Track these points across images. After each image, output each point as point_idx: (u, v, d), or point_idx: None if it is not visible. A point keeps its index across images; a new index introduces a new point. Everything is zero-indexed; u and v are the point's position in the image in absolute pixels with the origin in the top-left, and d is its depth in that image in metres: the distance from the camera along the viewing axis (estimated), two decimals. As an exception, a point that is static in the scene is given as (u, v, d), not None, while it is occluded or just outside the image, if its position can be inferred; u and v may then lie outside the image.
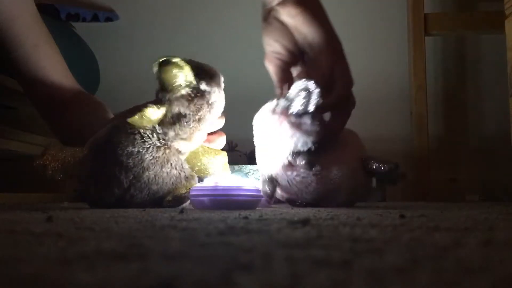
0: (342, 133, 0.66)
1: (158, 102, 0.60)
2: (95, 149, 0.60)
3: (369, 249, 0.20)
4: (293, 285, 0.13)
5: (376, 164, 0.64)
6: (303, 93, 0.59)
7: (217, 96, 0.62)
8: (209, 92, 0.61)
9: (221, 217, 0.38)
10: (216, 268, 0.16)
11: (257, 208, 0.58)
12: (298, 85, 0.59)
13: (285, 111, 0.61)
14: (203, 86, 0.60)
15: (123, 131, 0.59)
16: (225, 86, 0.64)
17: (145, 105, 0.59)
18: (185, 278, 0.14)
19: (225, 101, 0.64)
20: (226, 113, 0.64)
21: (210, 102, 0.61)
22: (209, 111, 0.61)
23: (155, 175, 0.59)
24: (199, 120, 0.60)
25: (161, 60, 0.58)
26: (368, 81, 1.36)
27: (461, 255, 0.18)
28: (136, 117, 0.58)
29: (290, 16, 0.63)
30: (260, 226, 0.30)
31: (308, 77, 0.60)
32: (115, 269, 0.15)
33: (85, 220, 0.35)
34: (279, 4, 0.63)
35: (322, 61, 0.63)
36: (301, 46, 0.64)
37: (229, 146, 1.22)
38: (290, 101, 0.60)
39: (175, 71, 0.58)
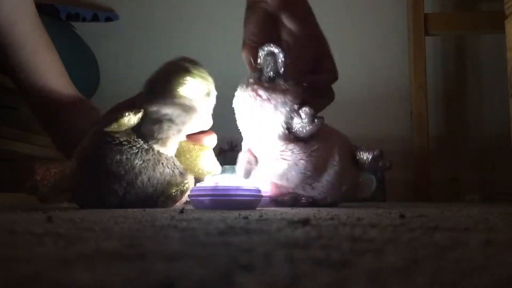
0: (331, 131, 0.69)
1: (134, 104, 0.59)
2: (83, 161, 0.60)
3: (369, 249, 0.20)
4: (293, 285, 0.13)
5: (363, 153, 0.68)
6: (269, 57, 0.62)
7: (202, 102, 0.61)
8: (194, 100, 0.60)
9: (221, 217, 0.38)
10: (216, 268, 0.16)
11: (257, 208, 0.58)
12: (263, 52, 0.63)
13: (258, 81, 0.63)
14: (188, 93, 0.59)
15: (107, 140, 0.58)
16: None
17: (121, 113, 0.57)
18: (185, 278, 0.14)
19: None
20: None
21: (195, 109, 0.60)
22: (190, 117, 0.60)
23: (148, 178, 0.59)
24: (181, 124, 0.60)
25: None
26: (368, 81, 1.36)
27: (461, 255, 0.18)
28: (113, 126, 0.57)
29: (279, 9, 0.65)
30: (260, 226, 0.30)
31: (293, 66, 0.63)
32: (115, 269, 0.15)
33: (85, 220, 0.35)
34: None
35: (307, 55, 0.65)
36: (285, 39, 0.66)
37: (229, 146, 1.22)
38: (260, 69, 0.63)
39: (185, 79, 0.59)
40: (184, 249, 0.20)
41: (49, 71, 0.71)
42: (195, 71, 0.60)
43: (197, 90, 0.60)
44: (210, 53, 1.38)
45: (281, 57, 0.62)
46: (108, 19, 1.33)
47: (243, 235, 0.25)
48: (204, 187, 0.57)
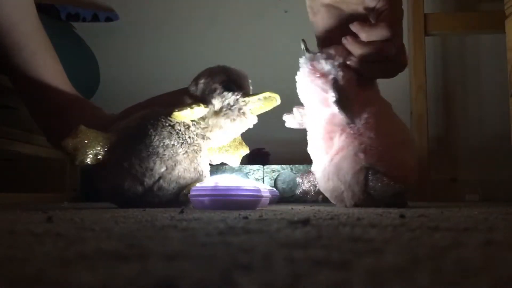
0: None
1: (199, 100, 0.62)
2: (128, 137, 0.61)
3: (369, 249, 0.20)
4: (293, 285, 0.13)
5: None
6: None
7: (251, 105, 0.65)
8: (245, 104, 0.63)
9: (221, 217, 0.38)
10: (216, 268, 0.16)
11: (257, 208, 0.58)
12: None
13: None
14: (241, 103, 0.63)
15: (159, 123, 0.61)
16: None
17: (196, 103, 0.61)
18: (185, 278, 0.14)
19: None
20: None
21: (244, 112, 0.63)
22: (241, 120, 0.64)
23: (184, 170, 0.61)
24: (231, 123, 0.63)
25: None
26: (368, 81, 1.36)
27: (461, 255, 0.18)
28: (184, 113, 0.60)
29: None
30: (260, 226, 0.30)
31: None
32: (115, 269, 0.15)
33: (85, 220, 0.35)
34: None
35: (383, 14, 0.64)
36: (354, 15, 0.66)
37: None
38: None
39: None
40: (184, 249, 0.20)
41: (48, 72, 0.71)
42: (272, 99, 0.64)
43: (261, 106, 0.65)
44: (210, 52, 1.38)
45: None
46: (108, 19, 1.33)
47: (243, 235, 0.25)
48: (204, 187, 0.56)
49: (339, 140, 0.64)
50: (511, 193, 1.21)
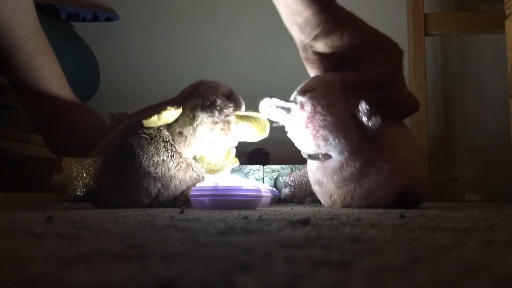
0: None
1: (174, 102, 0.61)
2: (115, 159, 0.60)
3: (369, 249, 0.20)
4: (293, 285, 0.13)
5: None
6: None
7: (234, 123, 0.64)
8: (232, 120, 0.63)
9: (221, 217, 0.38)
10: (216, 268, 0.16)
11: (257, 208, 0.58)
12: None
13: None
14: (229, 110, 0.62)
15: (142, 139, 0.59)
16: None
17: (163, 107, 0.59)
18: (185, 278, 0.14)
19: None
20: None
21: (229, 125, 0.63)
22: (225, 132, 0.63)
23: (180, 182, 0.60)
24: (212, 131, 0.62)
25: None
26: (368, 81, 1.36)
27: (461, 255, 0.18)
28: (153, 118, 0.58)
29: (329, 46, 0.63)
30: (260, 226, 0.30)
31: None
32: (115, 269, 0.15)
33: (85, 220, 0.35)
34: (313, 39, 0.64)
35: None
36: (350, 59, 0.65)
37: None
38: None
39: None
40: (184, 249, 0.20)
41: (46, 75, 0.71)
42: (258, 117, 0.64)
43: (249, 129, 0.64)
44: (210, 53, 1.38)
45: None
46: (108, 19, 1.33)
47: (243, 235, 0.25)
48: (204, 187, 0.56)
49: (364, 166, 0.60)
50: (511, 193, 1.21)
